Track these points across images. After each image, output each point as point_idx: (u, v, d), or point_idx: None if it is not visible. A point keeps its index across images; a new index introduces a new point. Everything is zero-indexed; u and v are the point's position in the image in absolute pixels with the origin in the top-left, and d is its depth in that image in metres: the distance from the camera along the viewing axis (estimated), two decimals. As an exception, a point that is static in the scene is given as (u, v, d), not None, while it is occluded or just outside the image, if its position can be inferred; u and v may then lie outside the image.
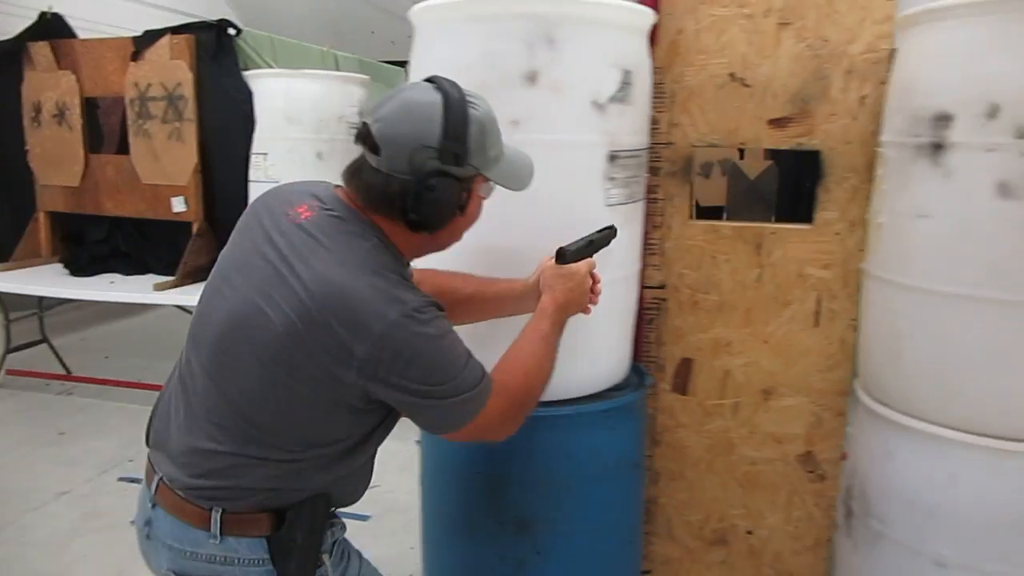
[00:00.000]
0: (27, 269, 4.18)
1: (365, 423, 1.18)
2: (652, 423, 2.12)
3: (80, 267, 4.13)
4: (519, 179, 1.28)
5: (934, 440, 1.52)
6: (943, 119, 1.44)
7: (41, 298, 4.13)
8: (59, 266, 4.22)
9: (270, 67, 3.71)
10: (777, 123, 1.86)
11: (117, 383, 4.34)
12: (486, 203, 1.30)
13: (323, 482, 1.19)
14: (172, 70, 3.74)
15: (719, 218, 1.90)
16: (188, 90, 3.71)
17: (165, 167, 3.87)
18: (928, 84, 1.48)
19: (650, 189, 1.97)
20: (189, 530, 1.15)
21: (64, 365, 4.51)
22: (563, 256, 1.33)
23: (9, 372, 4.36)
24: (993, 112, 1.37)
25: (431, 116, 1.11)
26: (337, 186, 1.23)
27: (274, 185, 3.42)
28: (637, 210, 1.73)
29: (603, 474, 1.68)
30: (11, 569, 2.55)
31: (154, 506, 1.19)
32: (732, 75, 1.87)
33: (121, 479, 3.20)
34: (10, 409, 4.02)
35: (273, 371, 1.08)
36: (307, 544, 1.18)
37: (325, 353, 1.06)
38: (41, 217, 4.32)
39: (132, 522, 1.28)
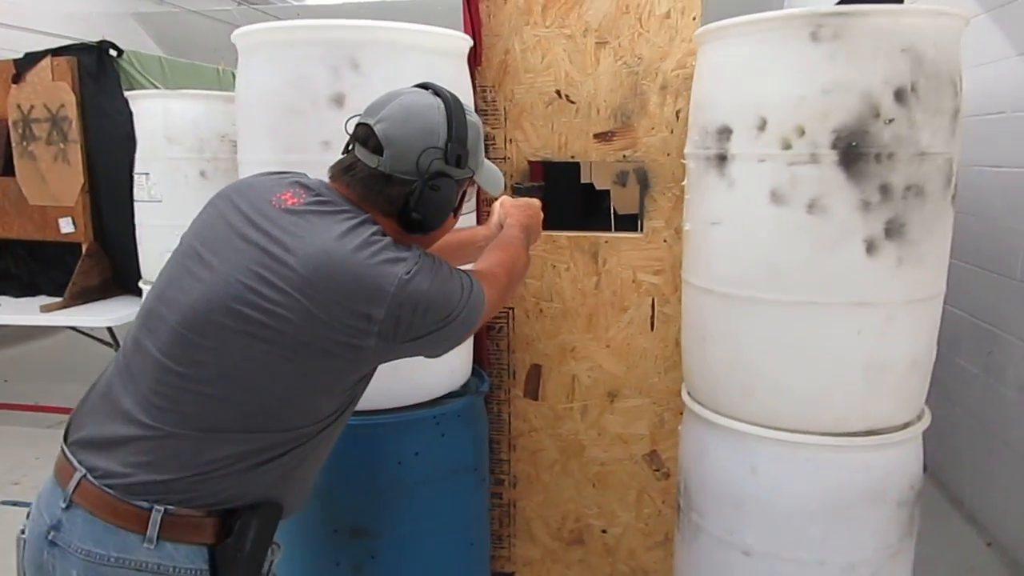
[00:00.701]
0: (-88, 296, 4.04)
1: (346, 397, 1.18)
2: (507, 428, 2.18)
3: (-31, 291, 4.02)
4: (497, 183, 1.37)
5: (736, 435, 1.61)
6: (725, 132, 1.54)
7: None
8: (-56, 291, 4.10)
9: (155, 87, 3.68)
10: (602, 137, 1.95)
11: (11, 406, 4.24)
12: None
13: (279, 481, 1.14)
14: (55, 92, 3.67)
15: (635, 227, 2.03)
16: (72, 111, 3.65)
17: (52, 188, 3.80)
18: (713, 99, 1.58)
19: (489, 202, 2.03)
20: (117, 533, 1.05)
21: (-43, 391, 4.37)
22: (519, 191, 1.60)
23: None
24: (762, 125, 1.47)
25: (436, 119, 1.16)
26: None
27: (158, 204, 3.33)
28: (466, 222, 1.78)
29: (436, 479, 1.73)
30: None
31: (68, 507, 1.06)
32: (558, 92, 1.95)
33: (2, 503, 3.13)
34: None
35: (271, 349, 1.06)
36: (252, 557, 1.11)
37: (341, 325, 1.06)
38: (-74, 242, 4.19)
39: (21, 532, 1.14)
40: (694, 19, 1.83)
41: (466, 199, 1.30)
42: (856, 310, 1.47)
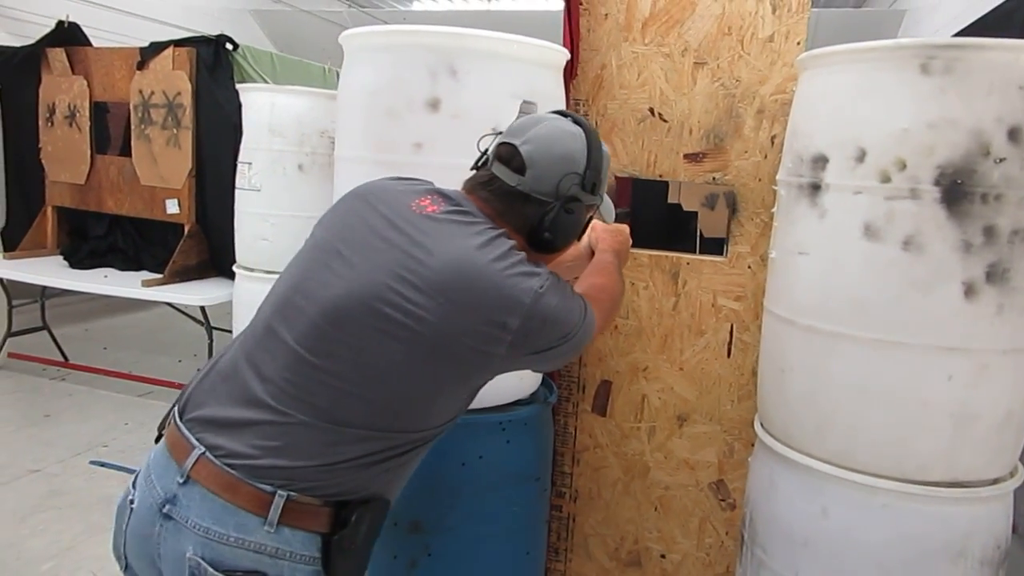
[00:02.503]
0: (31, 259, 4.38)
1: (462, 404, 1.23)
2: (572, 442, 2.18)
3: (79, 260, 4.32)
4: (611, 211, 1.41)
5: (809, 472, 1.56)
6: (820, 161, 1.50)
7: (44, 287, 4.33)
8: (60, 258, 4.42)
9: (265, 82, 3.86)
10: (692, 157, 1.93)
11: (108, 372, 4.52)
12: None
13: (391, 479, 1.18)
14: (173, 80, 3.91)
15: (719, 251, 2.02)
16: (187, 99, 3.88)
17: (162, 170, 4.04)
18: (811, 127, 1.54)
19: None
20: (237, 513, 1.06)
21: (62, 352, 4.69)
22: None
23: (10, 355, 4.56)
24: (861, 156, 1.42)
25: (578, 147, 1.22)
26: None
27: (257, 192, 3.49)
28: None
29: (498, 484, 1.74)
30: None
31: (185, 482, 1.08)
32: (651, 110, 1.94)
33: (92, 463, 3.34)
34: (4, 389, 4.21)
35: (407, 348, 1.08)
36: (362, 549, 1.15)
37: (477, 331, 1.10)
38: (48, 211, 4.53)
39: (129, 501, 1.16)
40: (798, 44, 1.79)
41: (588, 225, 1.36)
42: (948, 355, 1.40)
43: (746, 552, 1.75)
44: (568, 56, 1.78)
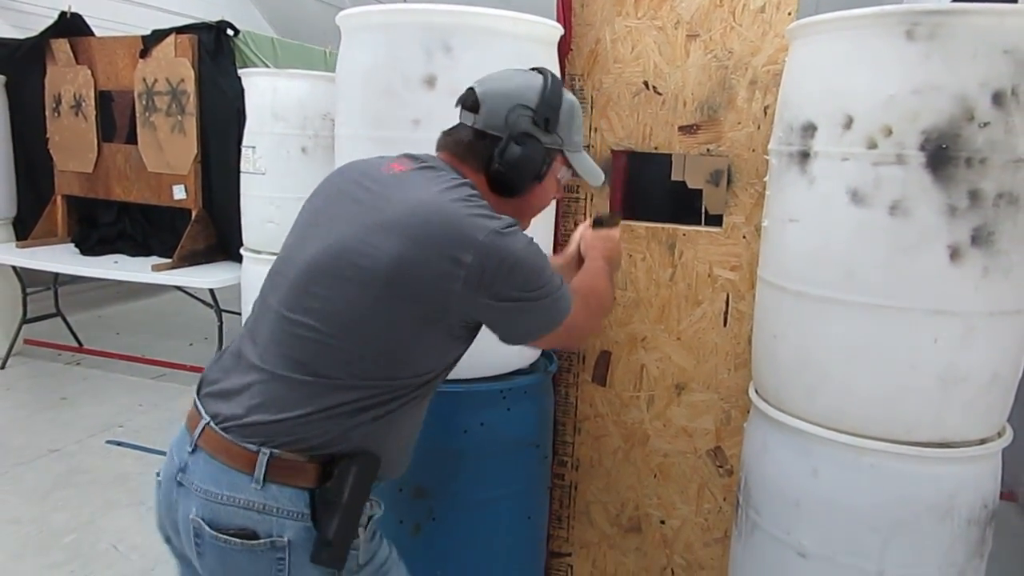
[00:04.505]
0: (43, 247, 4.44)
1: (439, 359, 1.23)
2: (573, 411, 2.23)
3: (90, 247, 4.39)
4: (595, 174, 1.39)
5: (799, 434, 1.60)
6: (809, 129, 1.52)
7: (56, 274, 4.40)
8: (71, 245, 4.48)
9: (267, 66, 3.90)
10: (687, 130, 1.95)
11: (121, 356, 4.61)
12: None
13: (376, 435, 1.19)
14: (176, 67, 3.95)
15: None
16: (190, 86, 3.92)
17: (168, 157, 4.09)
18: (799, 95, 1.56)
19: (572, 189, 2.08)
20: (230, 473, 1.12)
21: (76, 337, 4.78)
22: (601, 222, 1.57)
23: (27, 341, 4.65)
24: (848, 123, 1.45)
25: (532, 84, 1.26)
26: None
27: (261, 176, 3.53)
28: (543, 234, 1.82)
29: (499, 450, 1.80)
30: None
31: (194, 451, 1.16)
32: (646, 83, 1.97)
33: (108, 442, 3.42)
34: (22, 374, 4.31)
35: (379, 293, 1.12)
36: (351, 505, 1.14)
37: (434, 267, 1.12)
38: (58, 200, 4.59)
39: (157, 474, 1.25)
40: (789, 14, 1.81)
41: (559, 178, 1.35)
42: (934, 318, 1.43)
43: (741, 515, 1.80)
44: (562, 31, 1.80)
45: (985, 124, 1.35)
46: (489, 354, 1.77)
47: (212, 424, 1.15)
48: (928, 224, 1.40)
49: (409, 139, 1.65)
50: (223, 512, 1.12)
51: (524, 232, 1.20)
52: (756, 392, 1.77)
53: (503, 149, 1.24)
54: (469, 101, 1.27)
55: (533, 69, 1.31)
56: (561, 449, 2.24)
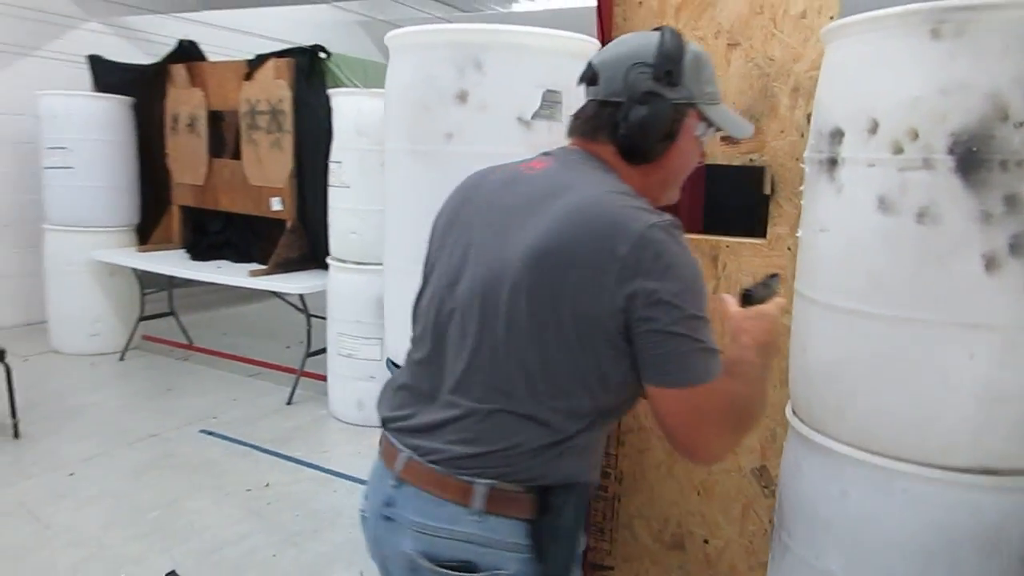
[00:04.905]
0: (159, 252, 4.88)
1: (618, 389, 1.10)
2: (617, 424, 2.22)
3: (199, 253, 4.79)
4: (738, 124, 1.26)
5: (830, 454, 1.53)
6: (837, 135, 1.47)
7: (171, 277, 4.82)
8: (184, 251, 4.90)
9: (356, 86, 4.12)
10: (729, 139, 1.92)
11: (224, 355, 4.99)
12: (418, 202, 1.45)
13: (581, 461, 1.13)
14: (275, 88, 4.25)
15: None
16: (287, 105, 4.20)
17: (267, 171, 4.39)
18: (829, 100, 1.51)
19: (614, 199, 2.09)
20: (446, 506, 1.08)
21: (187, 335, 5.20)
22: (750, 299, 1.28)
23: (145, 337, 5.11)
24: (874, 128, 1.39)
25: (647, 40, 1.16)
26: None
27: (347, 189, 3.73)
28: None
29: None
30: (90, 488, 3.09)
31: (399, 484, 1.12)
32: (688, 93, 1.95)
33: (201, 431, 3.71)
34: (138, 366, 4.74)
35: (540, 311, 1.04)
36: (569, 534, 1.12)
37: (585, 260, 1.03)
38: (174, 210, 5.03)
39: (362, 511, 1.23)
40: (831, 19, 1.75)
41: (697, 136, 1.21)
42: (968, 332, 1.34)
43: (775, 535, 1.73)
44: (597, 45, 1.83)
45: (1021, 124, 1.27)
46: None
47: (416, 457, 1.11)
48: (959, 232, 1.32)
49: (443, 151, 1.73)
50: (442, 545, 1.08)
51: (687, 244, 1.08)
52: (792, 409, 1.71)
53: (626, 113, 1.13)
54: (588, 75, 1.19)
55: (653, 30, 1.20)
56: (604, 461, 2.23)
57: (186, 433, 3.69)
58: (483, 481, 1.06)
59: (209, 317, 6.00)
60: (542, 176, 1.15)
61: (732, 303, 1.30)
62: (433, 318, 1.17)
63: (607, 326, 1.04)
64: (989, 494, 1.40)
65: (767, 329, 1.24)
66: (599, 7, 1.94)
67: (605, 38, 1.95)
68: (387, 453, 1.17)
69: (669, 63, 1.13)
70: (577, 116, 1.22)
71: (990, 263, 1.31)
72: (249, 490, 3.12)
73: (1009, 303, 1.32)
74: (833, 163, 1.48)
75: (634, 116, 1.13)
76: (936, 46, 1.31)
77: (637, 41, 1.17)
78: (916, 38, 1.33)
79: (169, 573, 2.45)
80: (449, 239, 1.21)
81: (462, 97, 1.69)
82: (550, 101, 1.70)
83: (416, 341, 1.23)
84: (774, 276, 1.36)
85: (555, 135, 1.73)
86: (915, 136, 1.34)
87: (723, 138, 1.94)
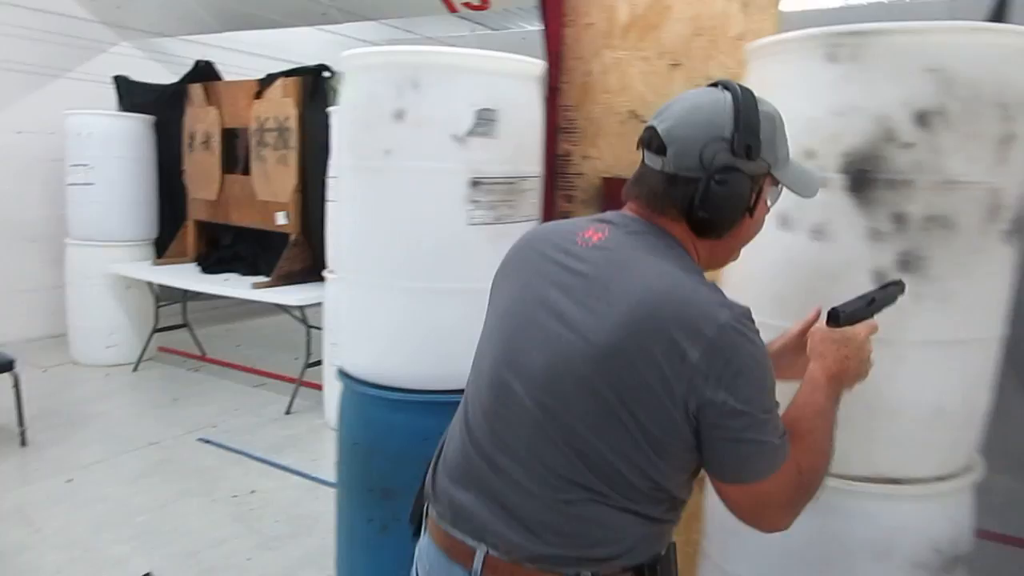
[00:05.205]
0: (174, 265, 5.07)
1: (681, 481, 1.07)
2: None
3: (209, 266, 4.96)
4: (809, 184, 1.18)
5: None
6: (747, 154, 1.52)
7: (185, 290, 5.00)
8: (195, 265, 5.09)
9: (357, 103, 4.26)
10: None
11: (233, 365, 5.14)
12: (361, 215, 1.53)
13: (662, 533, 1.09)
14: (283, 106, 4.41)
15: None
16: (293, 123, 4.36)
17: (273, 186, 4.55)
18: (742, 121, 1.57)
19: (564, 214, 2.16)
20: None
21: (200, 347, 5.37)
22: (836, 318, 1.15)
23: (160, 348, 5.29)
24: (775, 148, 1.44)
25: (722, 110, 1.06)
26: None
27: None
28: (512, 231, 1.91)
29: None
30: (86, 493, 3.22)
31: None
32: (632, 112, 2.02)
33: (200, 439, 3.84)
34: (150, 376, 4.92)
35: (604, 404, 0.99)
36: None
37: (656, 363, 0.96)
38: (190, 224, 5.22)
39: None
40: (763, 41, 1.80)
41: (769, 201, 1.15)
42: (862, 346, 1.37)
43: (701, 544, 1.77)
44: (540, 66, 1.90)
45: (907, 145, 1.31)
46: (458, 366, 1.89)
47: (497, 554, 1.03)
48: (851, 248, 1.36)
49: (382, 167, 1.82)
50: None
51: (758, 332, 1.01)
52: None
53: (704, 193, 1.04)
54: (654, 144, 1.08)
55: (715, 84, 1.12)
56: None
57: (185, 441, 3.82)
58: (586, 572, 1.02)
59: (226, 329, 6.18)
60: (601, 253, 1.06)
61: (816, 320, 1.23)
62: (487, 393, 1.11)
63: (679, 429, 1.00)
64: (882, 502, 1.42)
65: (845, 356, 1.15)
66: (547, 28, 2.02)
67: (553, 59, 2.03)
68: (454, 550, 1.08)
69: (748, 135, 1.06)
70: (640, 183, 1.11)
71: (879, 280, 1.35)
72: (236, 496, 3.23)
73: (898, 318, 1.34)
74: (744, 180, 1.53)
75: (712, 195, 1.05)
76: (832, 69, 1.36)
77: (710, 109, 1.07)
78: (814, 61, 1.38)
79: (145, 575, 2.56)
80: (505, 305, 1.15)
81: (400, 115, 1.77)
82: (484, 119, 1.78)
83: (467, 410, 1.16)
84: (897, 283, 1.22)
85: (491, 151, 1.81)
86: (812, 155, 1.39)
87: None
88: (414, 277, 1.85)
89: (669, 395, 0.97)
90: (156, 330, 5.07)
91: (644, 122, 1.98)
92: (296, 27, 5.39)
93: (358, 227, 1.90)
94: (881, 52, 1.32)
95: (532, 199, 1.95)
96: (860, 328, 1.17)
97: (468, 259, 1.85)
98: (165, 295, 5.07)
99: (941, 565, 1.44)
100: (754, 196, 1.10)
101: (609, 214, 1.14)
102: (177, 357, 5.32)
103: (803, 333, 1.25)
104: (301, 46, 6.08)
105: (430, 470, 1.21)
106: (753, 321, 1.01)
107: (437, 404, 1.87)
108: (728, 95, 1.08)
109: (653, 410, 0.98)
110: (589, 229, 1.10)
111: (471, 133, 1.78)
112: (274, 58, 5.59)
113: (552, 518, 1.02)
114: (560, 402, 1.02)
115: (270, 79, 4.50)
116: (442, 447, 1.22)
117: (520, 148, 1.90)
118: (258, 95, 4.57)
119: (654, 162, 1.08)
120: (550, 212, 2.13)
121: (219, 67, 5.34)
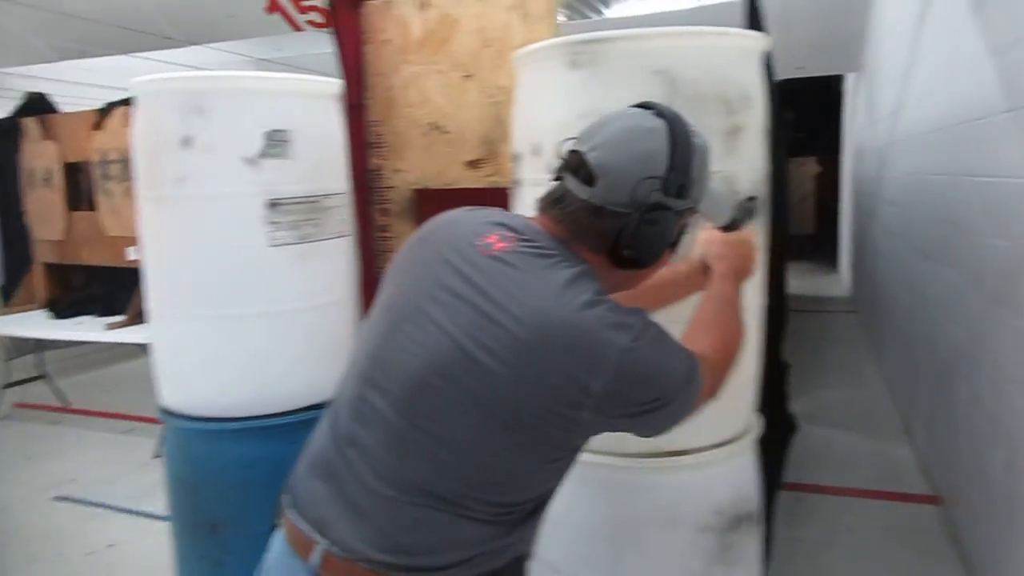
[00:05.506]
0: (23, 313, 4.77)
1: (565, 468, 1.08)
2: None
3: (61, 310, 4.70)
4: (721, 211, 1.19)
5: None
6: (518, 158, 1.60)
7: (39, 339, 4.70)
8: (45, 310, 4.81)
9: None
10: (472, 164, 2.05)
11: (98, 413, 4.88)
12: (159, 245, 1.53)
13: (515, 542, 1.08)
14: (125, 136, 4.22)
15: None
16: (135, 153, 4.21)
17: (123, 220, 4.36)
18: (514, 127, 1.65)
19: (382, 228, 2.19)
20: None
21: (62, 397, 5.07)
22: (733, 221, 1.24)
23: (16, 405, 4.97)
24: (537, 151, 1.52)
25: (657, 146, 1.03)
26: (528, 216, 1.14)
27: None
28: (321, 248, 1.93)
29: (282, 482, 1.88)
30: None
31: None
32: (434, 124, 2.07)
33: (55, 497, 3.63)
34: (1, 436, 4.59)
35: (489, 421, 0.97)
36: None
37: (556, 396, 0.95)
38: (37, 267, 4.93)
39: None
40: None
41: (685, 231, 1.14)
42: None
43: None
44: (335, 84, 1.93)
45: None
46: (272, 389, 1.89)
47: (337, 552, 1.00)
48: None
49: (175, 196, 1.80)
50: None
51: (653, 324, 1.02)
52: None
53: (633, 230, 1.03)
54: (582, 173, 1.03)
55: (647, 108, 1.09)
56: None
57: (36, 502, 3.59)
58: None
59: (95, 376, 5.86)
60: (501, 268, 1.00)
61: (708, 234, 1.30)
62: (353, 388, 1.07)
63: (571, 444, 1.03)
64: (664, 475, 1.52)
65: (741, 255, 1.26)
66: (341, 47, 2.05)
67: (352, 76, 2.06)
68: (297, 542, 1.05)
69: (681, 175, 1.04)
70: (558, 204, 1.07)
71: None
72: (91, 553, 3.07)
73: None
74: (518, 184, 1.61)
75: (641, 233, 1.03)
76: (574, 75, 1.45)
77: (644, 140, 1.04)
78: (560, 69, 1.47)
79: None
80: (390, 300, 1.10)
81: (187, 142, 1.76)
82: (275, 140, 1.79)
83: (335, 405, 1.11)
84: (753, 199, 1.30)
85: (287, 172, 1.83)
86: (565, 157, 1.47)
87: (467, 163, 2.06)
88: (219, 304, 1.83)
89: (565, 420, 0.97)
90: (7, 385, 4.75)
91: (445, 133, 2.08)
92: (139, 53, 5.20)
93: (158, 258, 1.87)
94: (614, 58, 1.42)
95: (340, 215, 1.97)
96: (746, 232, 1.28)
97: (274, 281, 1.85)
98: (17, 347, 4.77)
99: (725, 525, 1.56)
100: (679, 230, 1.10)
101: (518, 221, 1.09)
102: (35, 412, 5.00)
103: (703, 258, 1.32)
104: (156, 70, 5.87)
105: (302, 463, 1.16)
106: (650, 322, 1.01)
107: (258, 430, 1.87)
108: (663, 125, 1.05)
109: (542, 431, 0.97)
110: (492, 235, 1.05)
111: (263, 155, 1.79)
112: (116, 88, 5.38)
113: (395, 522, 1.00)
114: (427, 411, 0.99)
115: (109, 108, 4.32)
116: (316, 439, 1.16)
117: (321, 166, 1.92)
118: (97, 126, 4.38)
119: (579, 190, 1.04)
120: (367, 227, 2.16)
121: (57, 98, 5.08)
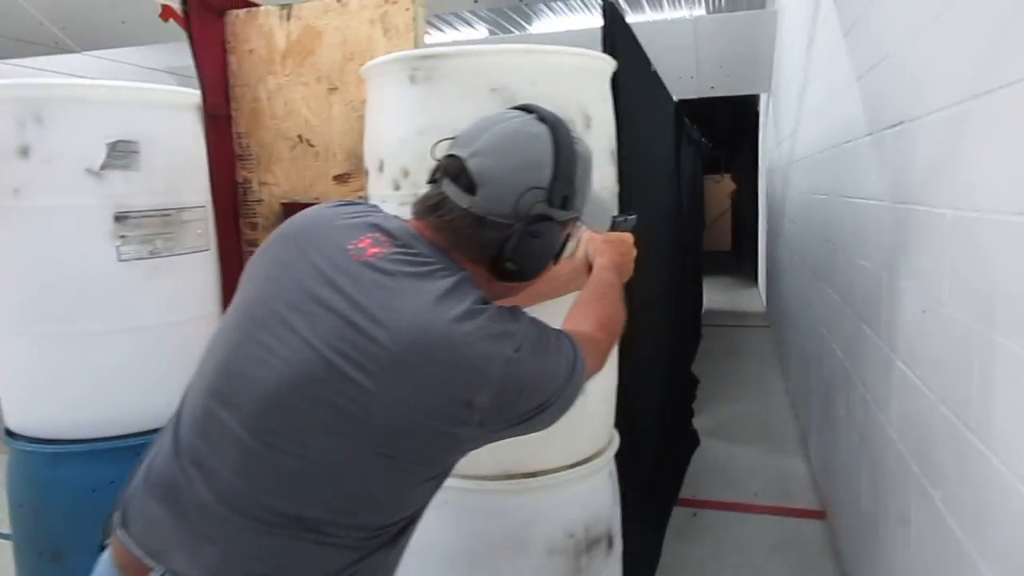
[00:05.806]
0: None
1: (438, 486, 1.02)
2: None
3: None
4: (603, 220, 1.17)
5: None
6: (366, 174, 1.56)
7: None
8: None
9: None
10: (340, 178, 2.00)
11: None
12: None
13: (385, 564, 1.01)
14: None
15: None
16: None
17: None
18: (365, 142, 1.61)
19: (251, 242, 2.12)
20: None
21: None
22: (613, 225, 1.27)
23: None
24: (381, 166, 1.49)
25: (540, 154, 0.99)
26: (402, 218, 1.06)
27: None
28: (177, 263, 1.85)
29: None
30: None
31: None
32: (300, 137, 2.02)
33: None
34: None
35: (358, 442, 0.90)
36: None
37: (435, 414, 0.90)
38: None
39: None
40: (404, 64, 1.87)
41: (569, 240, 1.10)
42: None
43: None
44: (190, 94, 1.86)
45: (484, 160, 1.39)
46: (128, 409, 1.80)
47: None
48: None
49: (13, 207, 1.70)
50: None
51: (531, 322, 0.98)
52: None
53: (516, 243, 0.99)
54: (462, 180, 0.98)
55: (530, 111, 1.04)
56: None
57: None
58: None
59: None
60: (374, 276, 0.93)
61: (588, 233, 1.32)
62: (200, 398, 0.96)
63: (452, 456, 0.98)
64: (514, 497, 1.50)
65: (621, 252, 1.33)
66: (198, 54, 1.98)
67: (212, 86, 1.99)
68: (127, 567, 0.94)
69: (566, 186, 1.00)
70: (436, 211, 1.00)
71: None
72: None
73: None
74: (367, 200, 1.57)
75: (526, 246, 0.99)
76: (413, 91, 1.43)
77: (526, 148, 0.99)
78: (400, 85, 1.44)
79: None
80: (247, 303, 1.00)
81: (24, 152, 1.67)
82: (121, 151, 1.71)
83: (179, 415, 0.99)
84: (633, 214, 1.37)
85: (136, 184, 1.75)
86: (406, 174, 1.45)
87: (334, 177, 2.01)
88: (64, 320, 1.74)
89: (445, 438, 0.92)
90: None
91: (312, 146, 2.03)
92: (30, 56, 4.97)
93: (-2, 275, 1.77)
94: (452, 74, 1.40)
95: (198, 229, 1.90)
96: (627, 235, 1.35)
97: (123, 297, 1.77)
98: None
99: (577, 548, 1.54)
100: (564, 241, 1.07)
101: (394, 225, 1.02)
102: None
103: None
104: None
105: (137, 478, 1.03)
106: (530, 323, 0.98)
107: (105, 452, 1.78)
108: (546, 131, 1.00)
109: (418, 451, 0.92)
110: (365, 238, 0.98)
111: (107, 166, 1.71)
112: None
113: (244, 549, 0.91)
114: (284, 430, 0.90)
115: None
116: (156, 452, 1.03)
117: (175, 178, 1.85)
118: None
119: (459, 198, 0.98)
120: (235, 240, 2.09)
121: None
